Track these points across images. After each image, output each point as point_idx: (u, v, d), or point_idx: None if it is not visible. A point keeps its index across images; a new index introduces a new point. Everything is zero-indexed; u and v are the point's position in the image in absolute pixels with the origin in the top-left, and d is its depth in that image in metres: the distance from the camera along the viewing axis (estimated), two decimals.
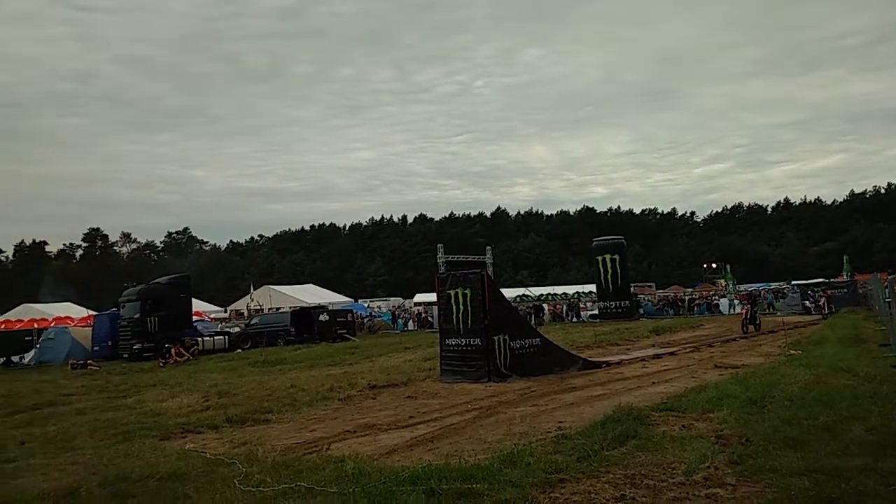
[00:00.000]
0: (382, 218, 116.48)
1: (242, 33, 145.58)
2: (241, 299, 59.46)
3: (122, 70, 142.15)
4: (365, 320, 44.29)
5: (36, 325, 35.55)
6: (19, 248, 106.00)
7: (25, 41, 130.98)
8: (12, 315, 48.52)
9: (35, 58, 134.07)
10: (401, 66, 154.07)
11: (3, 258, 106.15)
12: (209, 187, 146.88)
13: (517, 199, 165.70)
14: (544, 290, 66.89)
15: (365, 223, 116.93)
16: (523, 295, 59.99)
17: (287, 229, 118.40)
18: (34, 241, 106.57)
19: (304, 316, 33.05)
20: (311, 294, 58.30)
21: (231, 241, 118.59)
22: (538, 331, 15.99)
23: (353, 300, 61.85)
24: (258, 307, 47.82)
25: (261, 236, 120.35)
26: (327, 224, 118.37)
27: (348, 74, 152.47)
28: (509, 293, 50.36)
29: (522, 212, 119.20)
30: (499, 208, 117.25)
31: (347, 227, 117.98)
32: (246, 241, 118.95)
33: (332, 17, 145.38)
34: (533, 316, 37.40)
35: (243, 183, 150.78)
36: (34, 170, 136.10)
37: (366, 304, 62.48)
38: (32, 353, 28.63)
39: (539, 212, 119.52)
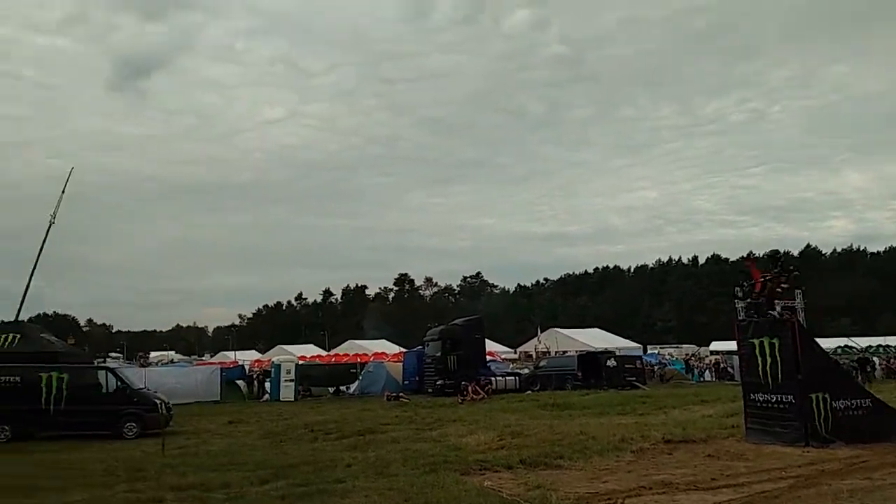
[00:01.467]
0: (670, 259, 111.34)
1: (523, 85, 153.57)
2: (529, 341, 61.30)
3: (422, 131, 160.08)
4: (655, 368, 42.32)
5: (359, 360, 40.97)
6: (346, 292, 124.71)
7: (348, 115, 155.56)
8: (340, 350, 56.89)
9: (353, 128, 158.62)
10: (684, 100, 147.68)
11: (333, 300, 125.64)
12: (499, 233, 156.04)
13: (831, 234, 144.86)
14: (872, 341, 57.04)
15: (651, 265, 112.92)
16: (845, 346, 51.91)
17: (571, 272, 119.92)
18: (357, 285, 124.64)
19: (592, 360, 32.80)
20: (597, 338, 57.70)
21: (519, 284, 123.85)
22: (867, 389, 13.62)
23: (641, 346, 59.68)
24: (545, 349, 48.85)
25: (546, 279, 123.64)
26: (611, 266, 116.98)
27: (627, 114, 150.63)
28: (827, 344, 43.88)
29: (839, 249, 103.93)
30: (808, 246, 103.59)
31: (633, 270, 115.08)
32: (532, 285, 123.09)
33: (607, 60, 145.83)
34: (859, 371, 32.01)
35: (529, 227, 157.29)
36: (356, 223, 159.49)
37: (655, 351, 59.81)
38: (356, 383, 32.95)
39: (861, 248, 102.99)
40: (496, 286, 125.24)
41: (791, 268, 13.96)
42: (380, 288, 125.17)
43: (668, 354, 58.67)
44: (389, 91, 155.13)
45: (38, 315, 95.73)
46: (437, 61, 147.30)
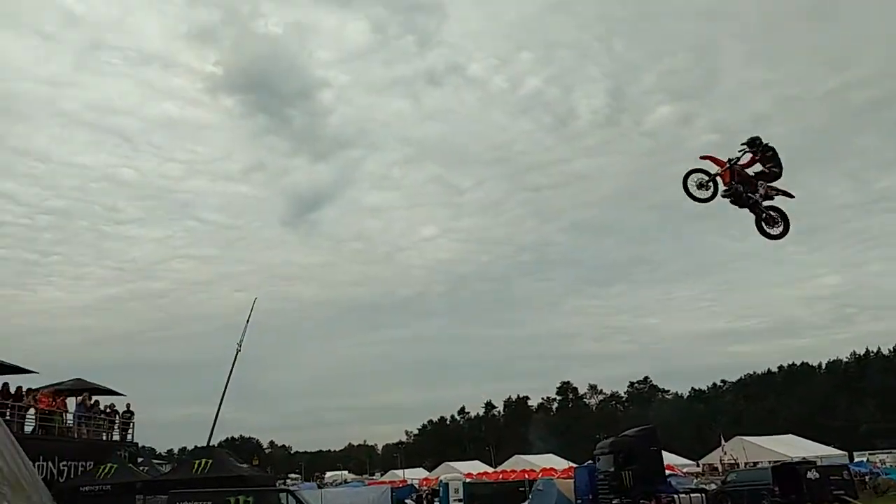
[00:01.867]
0: (867, 352, 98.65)
1: (673, 179, 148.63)
2: (712, 452, 56.34)
3: (572, 235, 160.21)
4: (866, 478, 36.80)
5: (527, 476, 39.65)
6: (507, 404, 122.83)
7: (497, 226, 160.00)
8: (507, 465, 55.43)
9: (503, 237, 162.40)
10: (856, 176, 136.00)
11: (496, 413, 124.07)
12: (663, 334, 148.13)
13: None
14: None
15: (845, 358, 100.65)
16: None
17: (752, 372, 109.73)
18: (518, 396, 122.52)
19: (789, 473, 29.23)
20: (791, 446, 51.73)
21: (692, 387, 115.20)
22: None
23: (845, 453, 52.60)
24: (732, 461, 44.49)
25: (724, 381, 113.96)
26: (798, 363, 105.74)
27: (797, 195, 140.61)
28: None
29: None
30: None
31: (824, 366, 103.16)
32: (708, 388, 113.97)
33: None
34: None
35: (697, 325, 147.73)
36: (514, 332, 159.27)
37: (864, 458, 52.31)
38: (526, 503, 31.71)
39: None
40: (667, 391, 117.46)
41: (768, 143, 11.40)
42: (542, 398, 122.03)
43: (880, 461, 51.19)
44: (536, 198, 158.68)
45: (226, 439, 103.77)
46: (581, 165, 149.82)
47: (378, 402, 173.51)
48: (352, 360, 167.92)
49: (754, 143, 11.54)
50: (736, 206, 11.50)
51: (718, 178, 11.48)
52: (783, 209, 11.87)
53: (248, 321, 26.29)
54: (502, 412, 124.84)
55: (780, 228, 11.92)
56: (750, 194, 11.34)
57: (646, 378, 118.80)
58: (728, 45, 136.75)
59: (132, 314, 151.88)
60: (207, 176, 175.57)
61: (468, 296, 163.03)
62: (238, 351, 25.64)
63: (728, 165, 11.38)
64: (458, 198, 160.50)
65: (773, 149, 11.61)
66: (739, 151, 11.44)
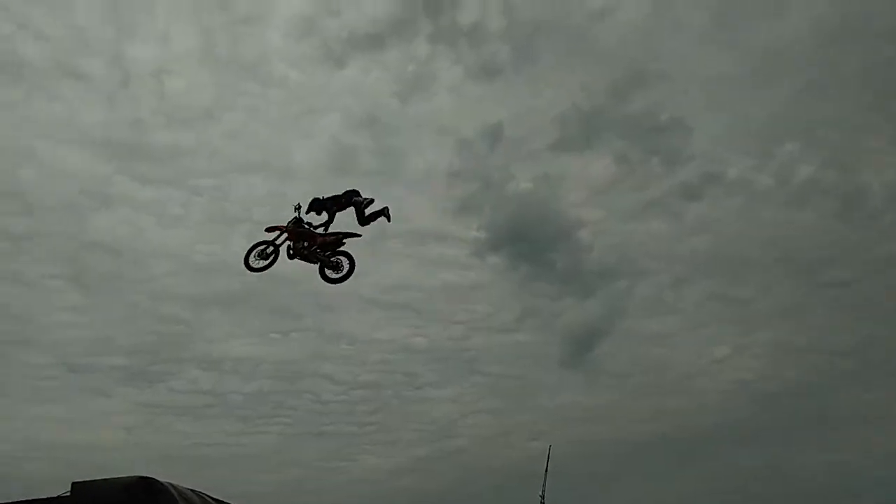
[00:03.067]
0: None
1: None
2: None
3: None
4: None
5: None
6: None
7: (798, 333, 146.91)
8: None
9: (809, 345, 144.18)
10: None
11: None
12: None
13: None
14: None
15: None
16: None
17: None
18: None
19: None
20: None
21: None
22: None
23: None
24: None
25: None
26: None
27: None
28: None
29: None
30: None
31: None
32: None
33: None
34: None
35: None
36: (832, 455, 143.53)
37: None
38: None
39: None
40: None
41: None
42: None
43: None
44: (843, 295, 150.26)
45: None
46: (886, 248, 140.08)
47: None
48: (653, 499, 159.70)
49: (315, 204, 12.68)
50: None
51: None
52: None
53: (546, 470, 24.49)
54: None
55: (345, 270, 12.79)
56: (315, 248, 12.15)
57: None
58: None
59: (438, 474, 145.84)
60: (486, 331, 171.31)
61: (774, 418, 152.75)
62: (541, 502, 23.66)
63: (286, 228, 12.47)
64: (743, 310, 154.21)
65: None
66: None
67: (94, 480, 7.07)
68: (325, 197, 12.57)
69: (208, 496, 7.90)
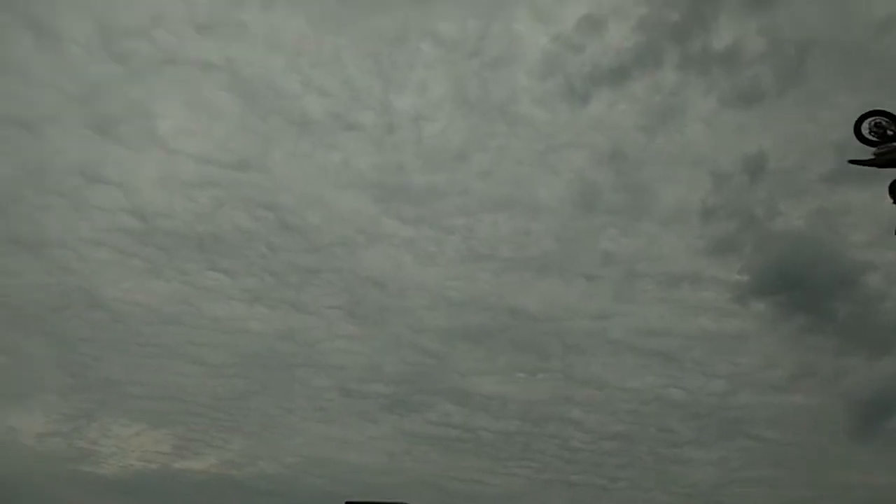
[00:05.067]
0: None
1: None
2: None
3: None
4: None
5: None
6: None
7: None
8: None
9: None
10: None
11: None
12: None
13: None
14: None
15: None
16: None
17: None
18: None
19: None
20: None
21: None
22: None
23: None
24: None
25: None
26: None
27: None
28: None
29: None
30: None
31: None
32: None
33: None
34: None
35: None
36: None
37: None
38: None
39: None
40: None
41: None
42: None
43: None
44: None
45: None
46: None
47: None
48: None
49: None
50: None
51: None
52: None
53: None
54: None
55: None
56: None
57: None
58: None
59: None
60: (753, 388, 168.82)
61: None
62: None
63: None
64: None
65: None
66: None
67: (366, 503, 7.47)
68: None
69: None
